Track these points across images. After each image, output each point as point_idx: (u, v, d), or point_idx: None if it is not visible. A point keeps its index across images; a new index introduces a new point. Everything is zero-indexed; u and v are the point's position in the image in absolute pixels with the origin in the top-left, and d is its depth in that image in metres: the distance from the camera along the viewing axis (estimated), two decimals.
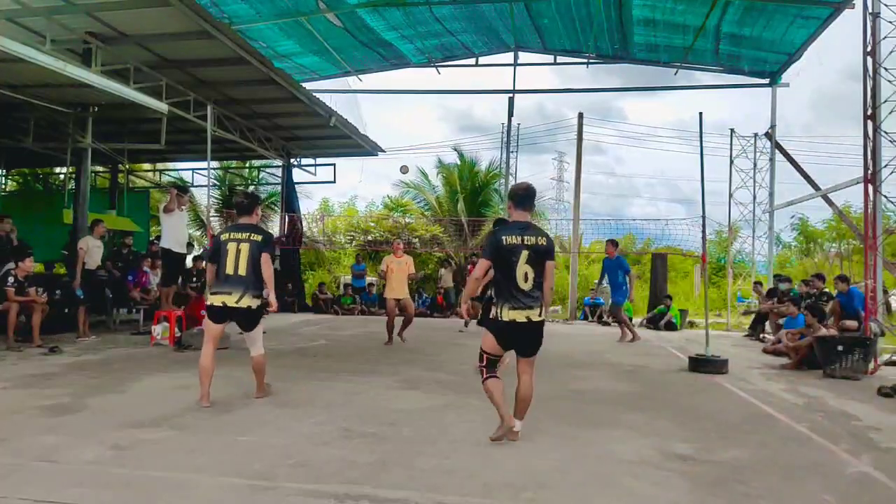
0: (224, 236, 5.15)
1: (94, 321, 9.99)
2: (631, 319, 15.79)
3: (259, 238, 5.09)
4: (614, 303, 11.51)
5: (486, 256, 4.15)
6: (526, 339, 4.15)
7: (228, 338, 8.99)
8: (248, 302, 5.00)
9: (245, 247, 5.02)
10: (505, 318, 4.05)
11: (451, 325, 13.35)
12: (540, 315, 4.09)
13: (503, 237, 4.08)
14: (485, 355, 4.19)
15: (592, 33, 15.80)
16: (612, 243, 11.60)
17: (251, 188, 24.08)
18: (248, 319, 5.12)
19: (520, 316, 4.03)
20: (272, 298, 5.22)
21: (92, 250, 9.42)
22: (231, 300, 4.97)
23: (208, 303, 5.09)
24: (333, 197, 30.62)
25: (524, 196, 4.24)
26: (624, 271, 11.27)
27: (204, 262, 11.54)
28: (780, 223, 33.84)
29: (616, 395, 6.07)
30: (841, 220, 19.06)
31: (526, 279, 4.04)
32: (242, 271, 4.98)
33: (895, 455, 4.26)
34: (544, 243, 4.13)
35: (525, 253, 4.05)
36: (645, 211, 59.36)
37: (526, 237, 4.08)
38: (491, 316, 4.19)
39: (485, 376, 4.18)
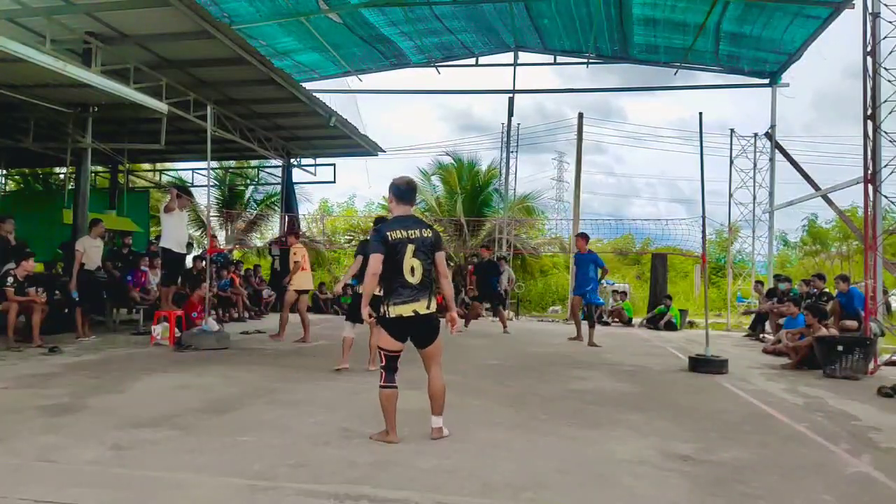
0: None
1: (93, 321, 9.96)
2: (631, 320, 15.87)
3: None
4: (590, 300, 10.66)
5: (375, 250, 4.03)
6: (417, 332, 4.07)
7: (228, 337, 9.02)
8: None
9: None
10: (392, 314, 3.99)
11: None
12: (428, 307, 4.02)
13: (387, 232, 4.02)
14: (382, 353, 4.08)
15: (592, 34, 15.81)
16: (583, 237, 11.01)
17: (251, 188, 24.11)
18: None
19: (406, 310, 3.98)
20: None
21: (90, 251, 9.31)
22: None
23: None
24: (333, 197, 30.66)
25: (406, 190, 4.21)
26: (598, 266, 10.55)
27: (203, 262, 11.58)
28: (784, 223, 33.91)
29: (616, 395, 6.07)
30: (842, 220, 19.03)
31: (413, 273, 3.99)
32: None
33: (895, 455, 4.26)
34: (430, 235, 4.08)
35: (411, 247, 4.00)
36: (645, 211, 59.34)
37: (411, 231, 4.04)
38: (380, 313, 4.10)
39: (382, 382, 4.08)
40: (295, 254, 9.82)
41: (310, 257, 22.95)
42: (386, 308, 4.03)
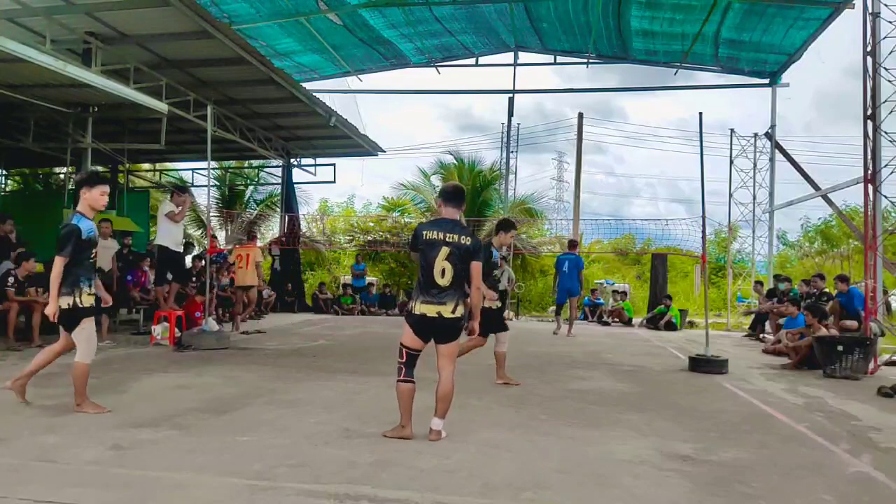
0: None
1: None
2: (631, 319, 15.86)
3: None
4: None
5: (411, 248, 4.27)
6: (438, 332, 4.16)
7: (228, 337, 9.02)
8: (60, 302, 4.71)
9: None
10: (416, 312, 4.11)
11: None
12: (453, 312, 4.09)
13: (424, 231, 4.17)
14: (404, 350, 4.19)
15: (592, 38, 15.83)
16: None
17: (251, 188, 24.08)
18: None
19: (430, 311, 4.08)
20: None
21: (98, 252, 9.14)
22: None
23: None
24: (332, 197, 30.60)
25: (452, 194, 4.35)
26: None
27: (202, 262, 11.59)
28: (784, 223, 33.89)
29: (616, 395, 6.06)
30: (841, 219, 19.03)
31: (443, 275, 4.08)
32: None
33: (895, 455, 4.26)
34: (468, 242, 4.14)
35: (445, 249, 4.08)
36: (645, 211, 59.54)
37: (449, 234, 4.12)
38: (407, 309, 4.27)
39: (400, 377, 4.18)
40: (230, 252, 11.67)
41: (310, 257, 23.08)
42: (413, 304, 4.15)
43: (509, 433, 4.44)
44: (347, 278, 19.17)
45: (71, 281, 4.67)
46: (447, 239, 4.10)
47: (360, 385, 6.10)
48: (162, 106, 9.98)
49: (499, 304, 6.40)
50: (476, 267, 4.18)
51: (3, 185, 18.58)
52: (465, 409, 5.09)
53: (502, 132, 19.64)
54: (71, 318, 4.72)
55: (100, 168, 17.18)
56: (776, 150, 16.06)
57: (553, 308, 20.72)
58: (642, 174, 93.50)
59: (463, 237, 4.14)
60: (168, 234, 9.26)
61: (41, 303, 8.52)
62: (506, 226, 6.41)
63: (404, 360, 4.18)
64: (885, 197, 9.28)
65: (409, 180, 23.11)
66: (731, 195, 16.69)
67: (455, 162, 22.63)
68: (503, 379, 6.47)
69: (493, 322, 6.25)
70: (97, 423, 4.35)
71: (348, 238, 23.08)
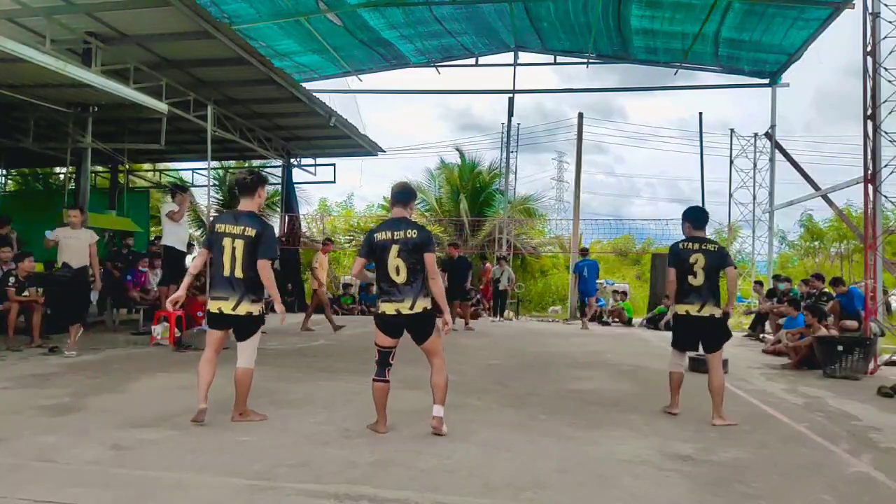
0: (219, 227, 4.45)
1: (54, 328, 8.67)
2: (630, 320, 15.87)
3: (253, 233, 4.37)
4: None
5: (359, 254, 4.44)
6: (405, 329, 4.25)
7: (228, 337, 8.99)
8: (248, 308, 4.40)
9: (240, 244, 4.34)
10: (379, 311, 4.26)
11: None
12: (412, 308, 4.16)
13: (375, 234, 4.29)
14: (377, 349, 4.32)
15: (592, 38, 15.84)
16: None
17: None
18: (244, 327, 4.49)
19: (389, 308, 4.20)
20: (278, 306, 4.57)
21: (65, 243, 7.66)
22: (227, 306, 4.38)
23: (207, 307, 4.55)
24: (332, 197, 30.59)
25: (398, 192, 4.45)
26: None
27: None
28: (784, 223, 33.86)
29: (616, 395, 6.06)
30: (841, 220, 19.04)
31: (398, 272, 4.17)
32: (239, 273, 4.34)
33: (895, 455, 4.26)
34: (415, 236, 4.20)
35: (395, 248, 4.18)
36: (645, 211, 59.54)
37: (396, 232, 4.21)
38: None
39: (374, 376, 4.32)
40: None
41: (310, 257, 23.19)
42: (377, 305, 4.30)
43: (509, 433, 4.44)
44: (347, 278, 19.17)
45: (261, 289, 4.45)
46: (395, 237, 4.19)
47: (360, 385, 6.08)
48: (162, 106, 9.97)
49: (719, 312, 5.07)
50: (429, 258, 4.22)
51: (3, 185, 18.58)
52: (465, 409, 5.09)
53: (502, 132, 19.65)
54: (254, 325, 4.50)
55: (99, 168, 17.26)
56: (776, 150, 16.05)
57: (555, 308, 20.91)
58: (642, 174, 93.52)
59: (409, 231, 4.20)
60: (172, 234, 9.26)
61: (41, 303, 8.55)
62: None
63: (377, 357, 4.32)
64: (886, 197, 9.28)
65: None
66: (731, 195, 16.70)
67: (459, 162, 22.68)
68: (721, 420, 4.88)
69: (716, 334, 5.15)
70: (97, 423, 4.35)
71: (348, 238, 23.10)
